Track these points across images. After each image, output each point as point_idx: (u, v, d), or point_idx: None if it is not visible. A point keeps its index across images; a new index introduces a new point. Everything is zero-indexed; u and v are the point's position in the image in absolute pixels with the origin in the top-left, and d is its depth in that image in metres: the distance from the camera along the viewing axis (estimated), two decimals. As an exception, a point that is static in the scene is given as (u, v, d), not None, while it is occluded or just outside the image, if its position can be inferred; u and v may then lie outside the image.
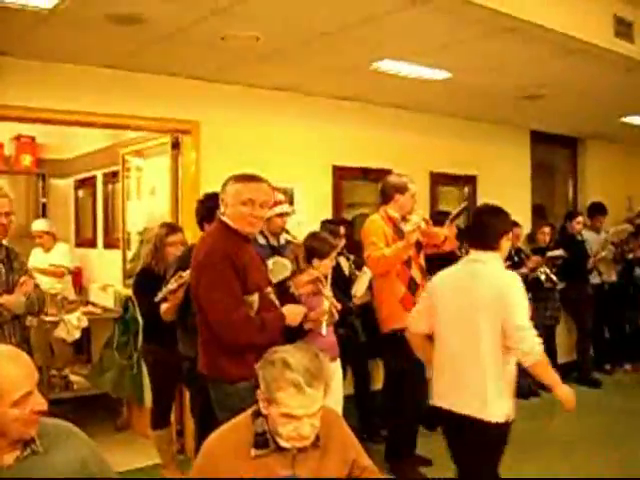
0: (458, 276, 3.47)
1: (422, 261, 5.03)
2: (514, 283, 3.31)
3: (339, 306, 4.11)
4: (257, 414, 2.37)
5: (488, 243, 3.41)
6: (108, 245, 7.34)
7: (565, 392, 3.30)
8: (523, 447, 5.68)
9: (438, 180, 6.96)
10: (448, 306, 3.42)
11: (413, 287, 4.83)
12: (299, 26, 4.17)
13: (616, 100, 6.42)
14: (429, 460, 5.15)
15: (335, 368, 4.36)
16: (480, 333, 3.26)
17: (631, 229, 8.34)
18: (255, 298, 3.35)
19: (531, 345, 3.19)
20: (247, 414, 2.43)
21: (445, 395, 3.43)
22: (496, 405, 3.26)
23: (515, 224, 7.07)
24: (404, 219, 4.84)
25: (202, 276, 3.30)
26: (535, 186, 8.37)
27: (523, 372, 7.15)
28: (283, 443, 2.30)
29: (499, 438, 3.34)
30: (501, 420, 3.26)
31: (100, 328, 6.29)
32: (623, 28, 4.65)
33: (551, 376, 3.32)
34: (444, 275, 3.57)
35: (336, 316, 4.01)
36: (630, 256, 8.24)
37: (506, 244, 3.50)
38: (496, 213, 3.53)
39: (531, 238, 7.76)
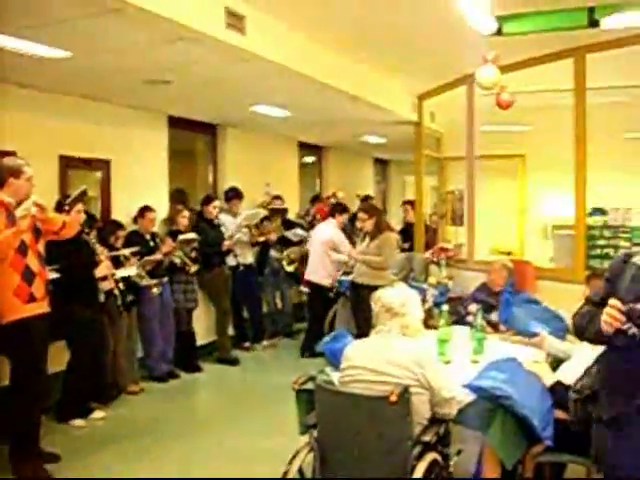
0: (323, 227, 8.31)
1: (41, 248, 4.78)
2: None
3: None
4: None
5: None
6: None
7: None
8: (166, 426, 5.80)
9: (69, 164, 6.65)
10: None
11: (29, 276, 4.57)
12: None
13: (242, 89, 6.70)
14: (57, 455, 4.99)
15: None
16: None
17: (264, 213, 8.83)
18: None
19: None
20: None
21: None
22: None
23: (149, 209, 7.09)
24: (20, 204, 4.53)
25: None
26: (176, 171, 8.46)
27: (163, 357, 7.35)
28: None
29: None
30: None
31: None
32: (234, 20, 4.83)
33: None
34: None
35: None
36: (261, 239, 8.74)
37: (342, 217, 8.36)
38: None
39: (171, 221, 7.83)
